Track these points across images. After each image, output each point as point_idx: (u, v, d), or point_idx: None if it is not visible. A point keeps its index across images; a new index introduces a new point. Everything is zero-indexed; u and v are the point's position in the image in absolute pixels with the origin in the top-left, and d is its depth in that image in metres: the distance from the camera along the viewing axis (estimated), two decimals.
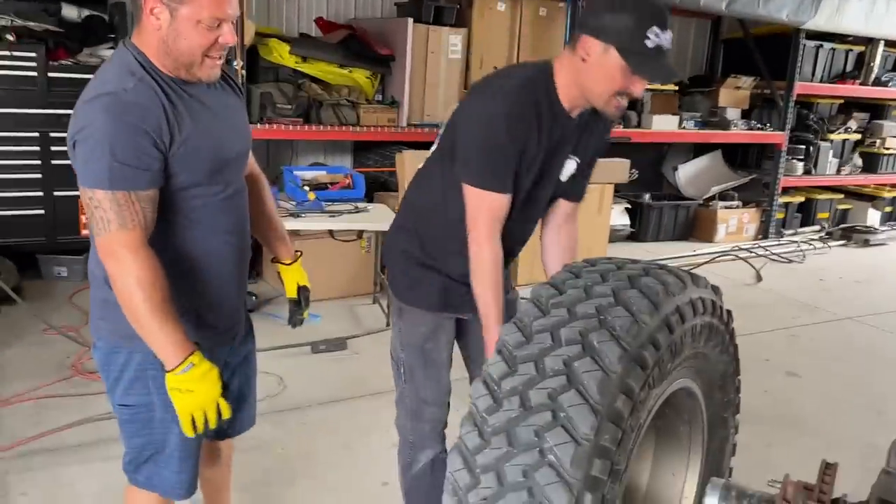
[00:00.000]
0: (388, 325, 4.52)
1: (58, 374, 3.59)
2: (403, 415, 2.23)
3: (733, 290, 5.84)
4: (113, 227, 1.55)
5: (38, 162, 4.59)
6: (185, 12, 1.54)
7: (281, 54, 5.13)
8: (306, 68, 5.25)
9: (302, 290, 2.16)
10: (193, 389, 1.61)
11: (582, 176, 2.13)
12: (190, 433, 1.66)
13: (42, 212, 4.67)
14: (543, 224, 2.21)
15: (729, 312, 1.81)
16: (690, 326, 1.58)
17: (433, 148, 2.10)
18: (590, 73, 1.84)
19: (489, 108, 1.88)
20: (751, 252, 6.93)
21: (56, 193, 4.66)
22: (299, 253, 2.16)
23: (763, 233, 7.59)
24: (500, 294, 1.93)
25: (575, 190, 2.15)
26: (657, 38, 1.77)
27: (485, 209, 1.90)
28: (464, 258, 1.96)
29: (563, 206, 2.17)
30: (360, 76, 5.45)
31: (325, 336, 4.18)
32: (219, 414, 1.68)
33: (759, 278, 6.22)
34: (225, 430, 1.98)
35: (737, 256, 6.78)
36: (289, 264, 2.13)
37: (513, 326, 1.54)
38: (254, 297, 4.56)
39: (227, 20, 1.59)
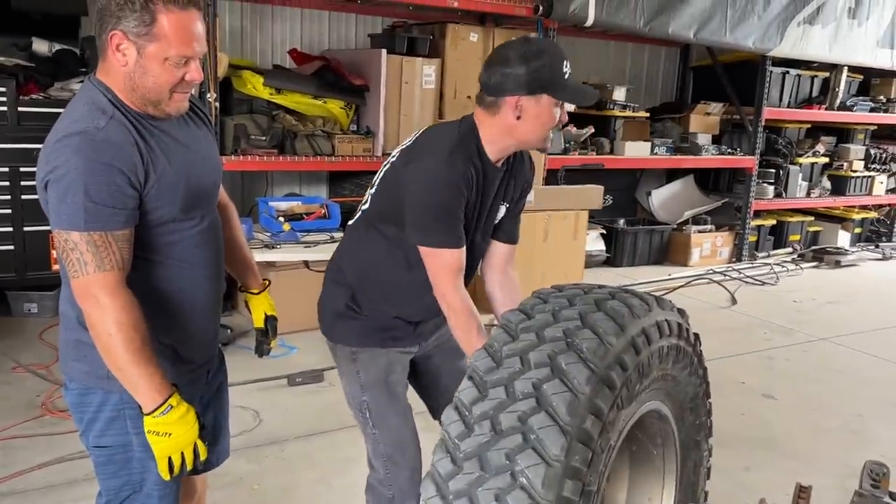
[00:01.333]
0: None
1: (27, 413, 3.51)
2: (380, 466, 2.18)
3: (708, 314, 5.89)
4: (90, 269, 1.52)
5: (8, 197, 4.52)
6: (152, 50, 1.53)
7: (255, 86, 5.13)
8: (281, 100, 5.26)
9: (269, 319, 2.14)
10: (172, 432, 1.59)
11: (513, 217, 2.22)
12: (166, 476, 1.64)
13: (12, 247, 4.60)
14: (485, 274, 2.26)
15: (696, 335, 1.86)
16: (657, 348, 1.61)
17: (363, 207, 2.16)
18: (528, 126, 1.97)
19: (431, 174, 1.97)
20: (725, 275, 7.01)
21: (26, 229, 4.60)
22: (267, 282, 2.14)
23: (736, 256, 7.68)
24: (483, 335, 1.97)
25: (508, 232, 2.23)
26: (567, 68, 1.96)
27: (445, 266, 1.98)
28: (408, 305, 2.09)
29: (500, 250, 2.23)
30: (335, 107, 5.47)
31: (302, 368, 4.14)
32: (196, 455, 1.66)
33: (733, 301, 6.28)
34: (200, 465, 1.95)
35: (711, 280, 6.86)
36: (257, 293, 2.11)
37: (483, 352, 1.56)
38: (229, 330, 4.50)
39: (194, 57, 1.58)
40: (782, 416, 4.03)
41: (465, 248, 2.01)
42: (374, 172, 2.23)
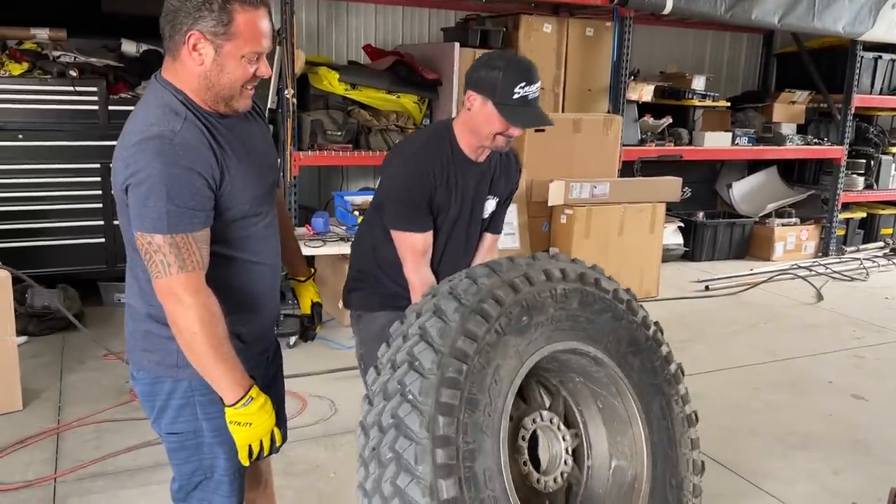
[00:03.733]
0: None
1: (116, 398, 3.67)
2: None
3: (792, 310, 5.67)
4: (173, 269, 1.56)
5: (99, 192, 4.74)
6: (229, 48, 1.58)
7: (330, 82, 5.22)
8: (355, 95, 5.33)
9: (315, 305, 2.21)
10: (252, 422, 1.66)
11: (500, 211, 2.50)
12: (246, 462, 1.71)
13: (103, 240, 4.81)
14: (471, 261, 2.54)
15: (627, 289, 2.11)
16: (547, 289, 1.89)
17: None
18: (475, 120, 2.22)
19: (397, 170, 2.30)
20: (810, 270, 6.72)
21: (116, 222, 4.77)
22: (314, 270, 2.24)
23: (823, 250, 7.36)
24: None
25: (494, 224, 2.52)
26: (523, 90, 2.15)
27: (408, 246, 2.29)
28: (402, 277, 2.35)
29: (486, 239, 2.53)
30: (408, 101, 5.50)
31: None
32: (272, 441, 1.72)
33: (819, 297, 6.02)
34: (275, 450, 2.01)
35: (796, 275, 6.59)
36: (303, 281, 2.19)
37: (398, 322, 1.89)
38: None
39: (263, 53, 1.64)
40: (873, 418, 3.84)
41: (428, 233, 2.29)
42: None
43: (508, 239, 5.17)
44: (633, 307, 2.11)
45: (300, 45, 5.27)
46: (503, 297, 1.81)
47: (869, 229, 7.78)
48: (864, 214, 7.69)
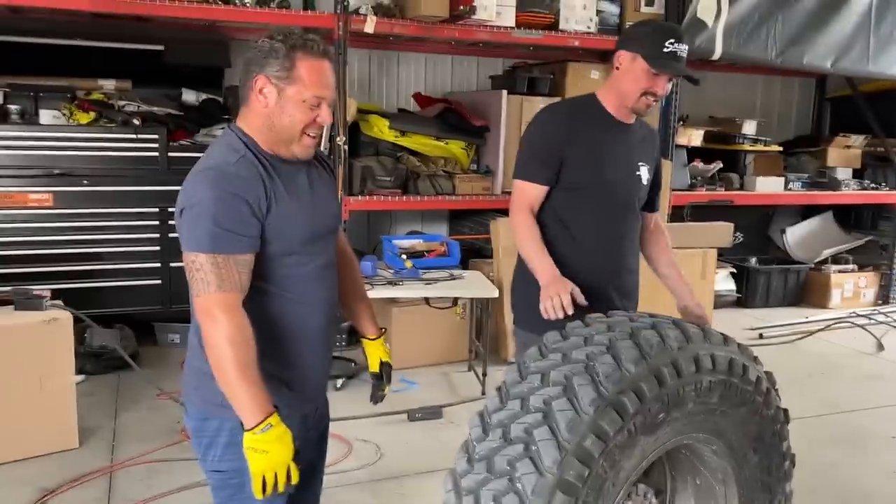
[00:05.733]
0: (482, 393, 4.49)
1: (168, 438, 3.74)
2: None
3: (851, 360, 5.47)
4: (212, 288, 1.64)
5: (157, 235, 4.90)
6: (291, 91, 1.71)
7: (381, 129, 5.33)
8: (405, 142, 5.43)
9: (384, 365, 2.19)
10: (269, 450, 1.66)
11: (653, 184, 2.58)
12: (259, 495, 1.69)
13: (159, 281, 4.96)
14: (641, 245, 2.64)
15: (768, 374, 1.89)
16: (693, 381, 1.68)
17: None
18: (622, 78, 2.36)
19: (534, 118, 2.52)
20: (870, 319, 6.50)
21: (172, 265, 4.95)
22: (384, 329, 2.22)
23: (883, 298, 7.12)
24: (535, 248, 2.39)
25: (651, 199, 2.61)
26: (672, 46, 2.28)
27: (516, 194, 2.46)
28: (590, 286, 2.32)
29: (647, 218, 2.64)
30: (456, 147, 5.58)
31: (421, 404, 4.19)
32: (288, 477, 1.70)
33: (880, 347, 5.80)
34: (290, 488, 2.00)
35: (854, 324, 6.37)
36: (373, 339, 2.18)
37: (514, 367, 1.74)
38: (353, 364, 4.63)
39: (326, 100, 1.75)
40: None
41: (539, 187, 2.41)
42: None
43: None
44: (770, 400, 1.92)
45: (352, 94, 5.41)
46: (646, 391, 1.60)
47: None
48: None
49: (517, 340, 2.56)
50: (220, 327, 1.64)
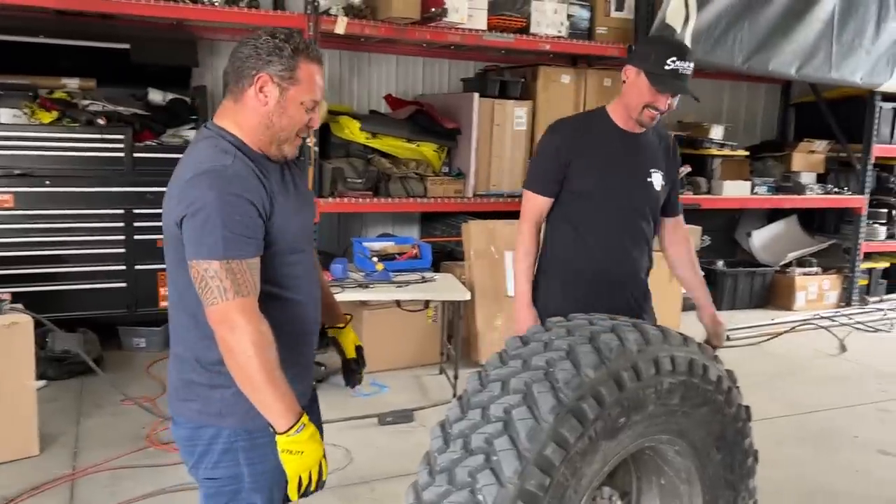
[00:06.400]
0: (454, 396, 4.47)
1: (133, 444, 3.66)
2: None
3: (815, 361, 5.57)
4: (230, 295, 1.60)
5: (122, 237, 4.80)
6: (293, 92, 1.72)
7: (352, 130, 5.30)
8: (376, 143, 5.41)
9: (358, 349, 2.21)
10: (303, 451, 1.66)
11: (672, 189, 2.69)
12: (294, 496, 1.69)
13: (124, 284, 4.86)
14: (661, 245, 2.77)
15: (729, 372, 1.91)
16: (653, 384, 1.66)
17: None
18: (628, 92, 2.48)
19: (542, 136, 2.68)
20: (833, 321, 6.62)
21: (137, 267, 4.86)
22: (349, 316, 2.22)
23: (845, 300, 7.26)
24: (524, 274, 2.61)
25: (670, 204, 2.71)
26: (674, 64, 2.36)
27: (526, 205, 2.62)
28: (598, 288, 2.56)
29: (666, 222, 2.76)
30: (428, 150, 5.57)
31: (392, 407, 4.16)
32: (319, 474, 1.71)
33: (843, 348, 5.91)
34: (321, 485, 2.02)
35: (818, 325, 6.49)
36: (343, 327, 2.19)
37: (475, 375, 1.72)
38: (322, 367, 4.59)
39: (319, 104, 1.78)
40: None
41: (544, 199, 2.57)
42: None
43: None
44: (731, 398, 1.93)
45: (322, 95, 5.36)
46: (605, 396, 1.59)
47: (892, 279, 7.67)
48: (888, 264, 7.60)
49: None
50: (242, 333, 1.60)
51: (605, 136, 2.54)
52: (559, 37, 5.59)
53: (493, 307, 5.02)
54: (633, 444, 1.73)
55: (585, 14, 5.77)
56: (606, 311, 2.30)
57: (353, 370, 2.20)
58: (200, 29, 5.41)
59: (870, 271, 7.46)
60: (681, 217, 2.79)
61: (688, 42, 5.70)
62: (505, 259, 5.09)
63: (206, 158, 1.68)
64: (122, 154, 4.75)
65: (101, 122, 4.72)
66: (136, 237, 4.81)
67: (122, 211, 4.78)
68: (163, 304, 4.94)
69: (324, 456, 1.71)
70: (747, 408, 2.02)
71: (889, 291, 7.60)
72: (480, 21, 5.27)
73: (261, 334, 1.62)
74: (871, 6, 6.41)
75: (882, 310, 7.00)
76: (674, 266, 2.81)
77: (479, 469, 1.52)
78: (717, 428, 1.90)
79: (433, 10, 4.93)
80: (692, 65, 2.40)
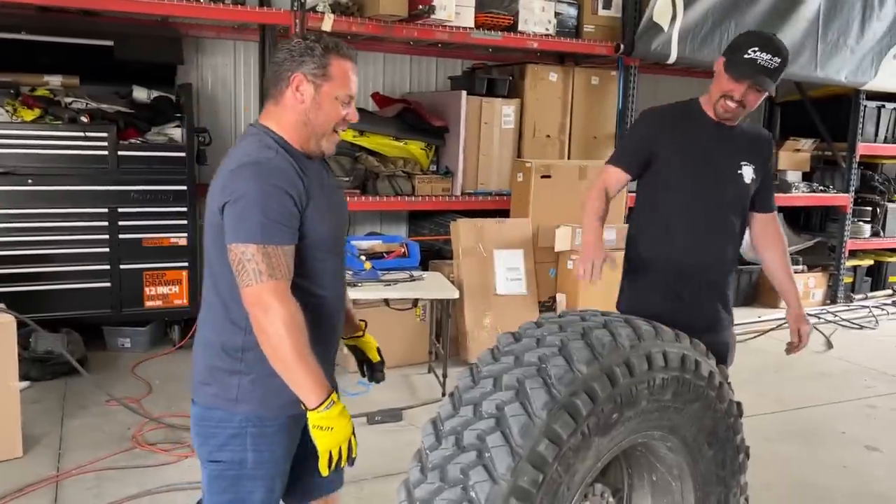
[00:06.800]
0: (443, 395, 4.46)
1: (118, 445, 3.62)
2: None
3: (802, 358, 5.58)
4: (264, 277, 1.70)
5: (106, 236, 4.74)
6: (326, 88, 1.83)
7: None
8: (363, 142, 5.37)
9: (378, 350, 2.31)
10: (334, 426, 1.72)
11: (764, 185, 2.62)
12: (326, 471, 1.74)
13: (108, 284, 4.80)
14: (753, 243, 2.72)
15: (720, 369, 1.91)
16: (646, 379, 1.66)
17: None
18: (714, 81, 2.46)
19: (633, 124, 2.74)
20: (819, 318, 6.66)
21: (122, 267, 4.80)
22: (364, 323, 2.33)
23: (831, 298, 7.31)
24: (591, 219, 2.58)
25: (761, 201, 2.64)
26: (753, 53, 2.33)
27: (600, 176, 2.64)
28: (679, 284, 2.54)
29: (759, 218, 2.67)
30: (415, 148, 5.54)
31: (381, 407, 4.14)
32: (350, 450, 1.76)
33: (829, 345, 5.95)
34: (322, 486, 2.08)
35: None
36: (361, 336, 2.29)
37: (467, 371, 1.71)
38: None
39: (353, 99, 1.89)
40: (890, 470, 3.75)
41: (621, 173, 2.59)
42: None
43: (515, 284, 5.15)
44: (723, 394, 1.94)
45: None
46: (598, 391, 1.58)
47: (877, 277, 7.73)
48: (872, 262, 7.66)
49: None
50: (275, 315, 1.68)
51: (695, 127, 2.52)
52: (547, 35, 5.58)
53: (481, 306, 5.01)
54: (626, 440, 1.72)
55: (573, 12, 5.77)
56: (695, 307, 2.49)
57: (378, 370, 2.29)
58: (186, 26, 5.36)
59: (855, 269, 7.51)
60: (773, 214, 2.71)
61: (674, 41, 5.73)
62: (494, 257, 5.08)
63: (250, 152, 1.79)
64: (105, 152, 4.68)
65: (84, 119, 4.66)
66: (120, 236, 4.75)
67: (106, 210, 4.71)
68: (148, 303, 4.90)
69: (353, 433, 1.77)
70: (739, 404, 2.02)
71: (874, 289, 7.66)
72: (468, 19, 5.25)
73: (292, 316, 1.69)
74: (856, 5, 6.47)
75: (867, 307, 7.05)
76: (764, 263, 2.77)
77: (472, 466, 1.51)
78: (708, 424, 1.91)
79: (421, 7, 4.91)
80: (779, 60, 2.34)
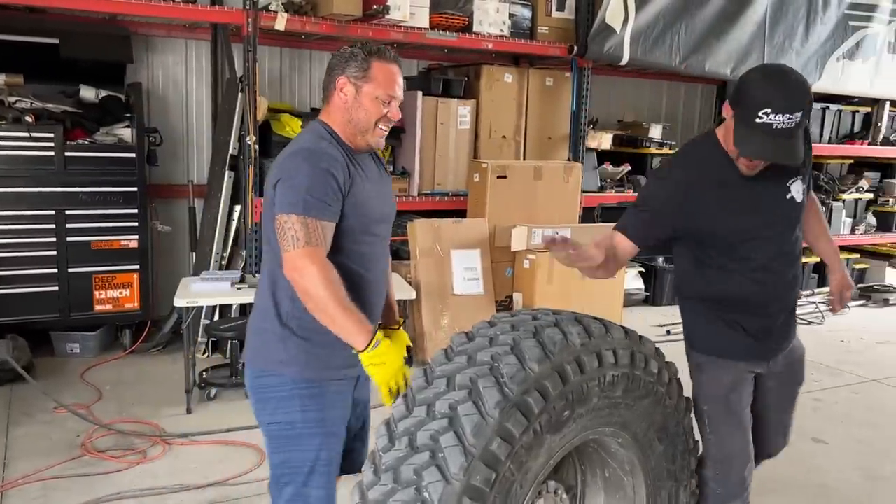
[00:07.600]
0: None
1: (67, 453, 3.53)
2: (710, 465, 2.29)
3: None
4: (301, 243, 1.89)
5: (53, 239, 4.63)
6: (367, 89, 2.04)
7: (293, 129, 5.21)
8: None
9: (409, 348, 2.28)
10: (385, 361, 1.86)
11: (807, 174, 2.29)
12: (388, 401, 1.86)
13: (56, 288, 4.68)
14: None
15: (669, 365, 1.95)
16: (597, 377, 1.69)
17: None
18: (727, 132, 2.08)
19: (648, 180, 2.44)
20: None
21: (70, 270, 4.69)
22: (402, 319, 2.45)
23: None
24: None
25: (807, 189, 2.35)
26: (767, 116, 1.91)
27: (611, 236, 2.22)
28: (758, 318, 2.24)
29: (808, 216, 2.42)
30: None
31: None
32: (405, 380, 1.87)
33: None
34: (353, 465, 2.24)
35: None
36: (396, 329, 2.33)
37: (420, 372, 1.74)
38: None
39: (396, 99, 2.07)
40: (834, 461, 3.87)
41: (631, 245, 2.18)
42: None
43: (472, 284, 5.16)
44: (672, 390, 1.96)
45: (263, 92, 5.28)
46: (550, 389, 1.59)
47: (823, 274, 7.94)
48: (818, 259, 7.87)
49: (691, 361, 2.39)
50: (312, 275, 1.86)
51: (722, 177, 2.12)
52: (501, 36, 5.61)
53: (438, 306, 5.01)
54: (578, 437, 1.74)
55: (527, 13, 5.82)
56: (781, 331, 2.36)
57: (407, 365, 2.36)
58: (135, 24, 5.25)
59: (802, 266, 7.70)
60: (812, 194, 2.44)
61: (626, 43, 5.81)
62: (451, 257, 5.08)
63: (306, 140, 2.03)
64: (52, 153, 4.57)
65: (29, 119, 4.53)
66: (68, 239, 4.64)
67: (53, 212, 4.59)
68: (97, 307, 4.78)
69: (405, 363, 1.90)
70: (688, 399, 2.06)
71: (820, 285, 7.88)
72: (423, 19, 5.25)
73: (327, 275, 1.86)
74: (801, 9, 6.65)
75: (814, 303, 7.25)
76: (806, 234, 2.45)
77: (425, 466, 1.52)
78: (659, 419, 1.94)
79: (375, 7, 4.89)
80: (799, 114, 1.91)
